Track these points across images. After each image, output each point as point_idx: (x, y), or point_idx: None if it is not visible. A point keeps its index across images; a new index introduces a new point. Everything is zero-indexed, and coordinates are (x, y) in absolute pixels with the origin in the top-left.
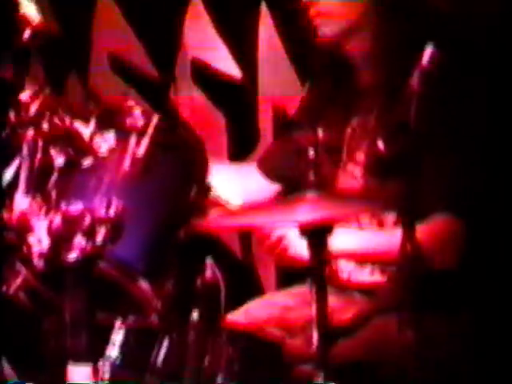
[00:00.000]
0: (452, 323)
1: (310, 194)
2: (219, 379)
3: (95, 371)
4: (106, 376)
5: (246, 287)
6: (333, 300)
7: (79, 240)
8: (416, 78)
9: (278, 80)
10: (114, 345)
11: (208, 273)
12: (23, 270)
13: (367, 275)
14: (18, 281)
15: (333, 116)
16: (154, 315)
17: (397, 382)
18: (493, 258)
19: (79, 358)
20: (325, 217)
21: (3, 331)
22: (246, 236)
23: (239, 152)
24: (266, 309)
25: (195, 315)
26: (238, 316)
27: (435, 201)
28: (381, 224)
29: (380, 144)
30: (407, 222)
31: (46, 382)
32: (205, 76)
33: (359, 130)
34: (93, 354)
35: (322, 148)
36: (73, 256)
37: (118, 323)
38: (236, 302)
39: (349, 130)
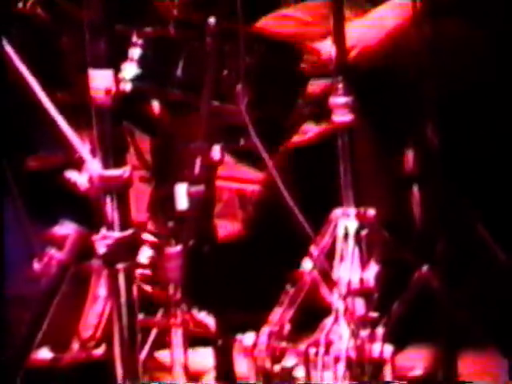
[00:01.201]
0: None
1: None
2: (238, 88)
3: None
4: (128, 88)
5: None
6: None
7: None
8: None
9: None
10: (132, 60)
11: None
12: None
13: None
14: None
15: None
16: (172, 24)
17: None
18: None
19: (99, 64)
20: None
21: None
22: None
23: None
24: (283, 23)
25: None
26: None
27: None
28: None
29: None
30: None
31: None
32: None
33: None
34: (113, 60)
35: None
36: None
37: (134, 36)
38: None
39: None
